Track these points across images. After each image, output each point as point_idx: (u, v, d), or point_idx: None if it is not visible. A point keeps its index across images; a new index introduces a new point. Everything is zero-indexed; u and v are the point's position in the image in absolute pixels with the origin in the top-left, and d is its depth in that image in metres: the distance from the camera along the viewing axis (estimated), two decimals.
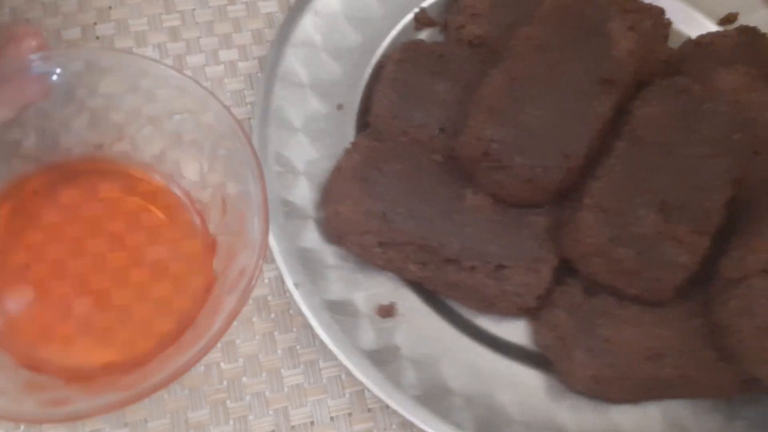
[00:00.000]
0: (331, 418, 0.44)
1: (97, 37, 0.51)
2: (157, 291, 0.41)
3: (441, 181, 0.44)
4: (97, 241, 0.41)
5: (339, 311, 0.43)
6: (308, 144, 0.47)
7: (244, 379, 0.44)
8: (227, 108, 0.39)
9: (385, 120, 0.46)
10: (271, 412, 0.43)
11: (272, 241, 0.43)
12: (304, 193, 0.45)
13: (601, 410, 0.43)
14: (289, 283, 0.42)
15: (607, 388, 0.42)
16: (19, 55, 0.39)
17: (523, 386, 0.43)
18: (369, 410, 0.44)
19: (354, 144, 0.45)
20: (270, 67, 0.47)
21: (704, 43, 0.50)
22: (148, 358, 0.38)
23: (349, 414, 0.44)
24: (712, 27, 0.54)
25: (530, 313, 0.45)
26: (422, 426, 0.40)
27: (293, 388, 0.44)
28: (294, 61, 0.48)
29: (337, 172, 0.45)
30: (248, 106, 0.50)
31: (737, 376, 0.42)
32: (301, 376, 0.44)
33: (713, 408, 0.43)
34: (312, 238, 0.45)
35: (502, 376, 0.43)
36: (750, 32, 0.50)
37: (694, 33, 0.52)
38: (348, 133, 0.48)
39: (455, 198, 0.44)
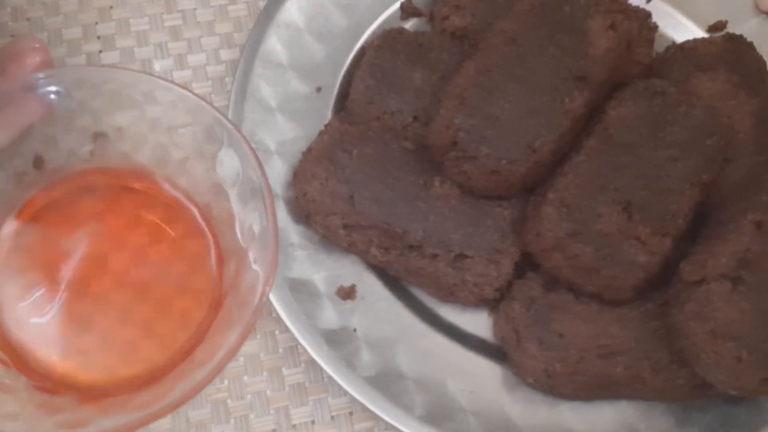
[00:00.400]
0: (332, 417, 0.44)
1: (98, 37, 0.52)
2: (171, 303, 0.40)
3: (410, 169, 0.45)
4: (113, 254, 0.40)
5: (300, 289, 0.43)
6: (284, 124, 0.47)
7: (245, 378, 0.44)
8: (240, 131, 0.39)
9: (361, 105, 0.47)
10: (272, 411, 0.44)
11: None
12: (274, 172, 0.46)
13: (553, 405, 0.43)
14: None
15: (559, 383, 0.42)
16: (23, 73, 0.37)
17: (477, 376, 0.43)
18: (370, 409, 0.43)
19: (326, 126, 0.46)
20: (251, 45, 0.48)
21: (687, 48, 0.49)
22: (162, 372, 0.38)
23: (350, 413, 0.44)
24: (701, 34, 0.54)
25: (490, 304, 0.45)
26: (371, 407, 0.40)
27: (294, 387, 0.44)
28: (276, 42, 0.48)
29: (308, 152, 0.45)
30: None
31: (691, 380, 0.42)
32: (302, 375, 0.44)
33: (666, 411, 0.43)
34: (278, 216, 0.45)
35: (456, 365, 0.43)
36: (735, 40, 0.50)
37: (682, 39, 0.52)
38: (325, 115, 0.48)
39: (422, 186, 0.44)
